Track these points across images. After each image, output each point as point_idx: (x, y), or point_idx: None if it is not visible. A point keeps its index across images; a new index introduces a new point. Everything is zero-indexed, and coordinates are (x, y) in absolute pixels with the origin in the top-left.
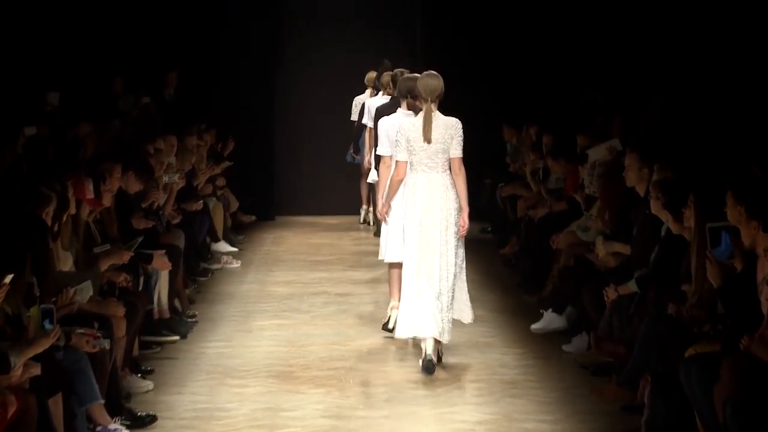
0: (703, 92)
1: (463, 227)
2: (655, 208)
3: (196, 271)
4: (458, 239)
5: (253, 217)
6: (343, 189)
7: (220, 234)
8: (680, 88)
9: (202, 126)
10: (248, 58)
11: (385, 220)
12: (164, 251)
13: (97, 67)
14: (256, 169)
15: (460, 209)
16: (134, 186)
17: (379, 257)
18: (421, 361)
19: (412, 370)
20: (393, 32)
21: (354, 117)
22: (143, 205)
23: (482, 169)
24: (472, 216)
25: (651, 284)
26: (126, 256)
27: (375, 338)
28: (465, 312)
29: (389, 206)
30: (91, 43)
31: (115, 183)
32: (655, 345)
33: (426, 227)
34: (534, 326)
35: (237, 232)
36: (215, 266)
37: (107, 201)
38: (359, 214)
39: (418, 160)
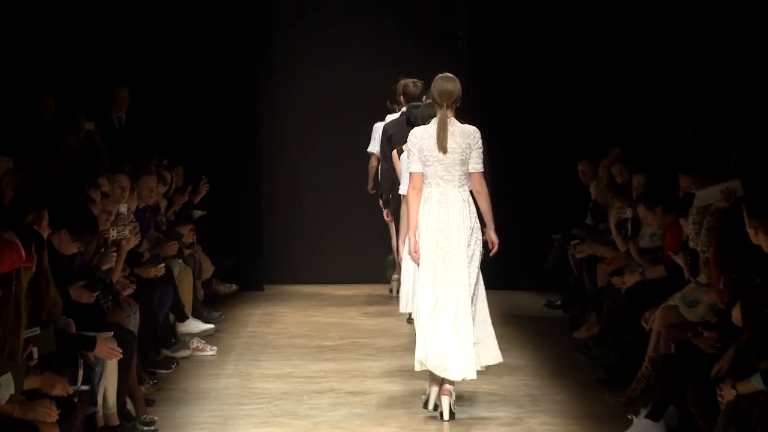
0: None
1: (493, 245)
2: None
3: (155, 362)
4: (475, 262)
5: (234, 287)
6: (357, 248)
7: (188, 310)
8: None
9: (164, 161)
10: (223, 70)
11: (418, 262)
12: (111, 334)
13: (19, 83)
14: (237, 221)
15: (479, 228)
16: (69, 246)
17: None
18: (423, 403)
19: None
20: (428, 41)
21: (372, 148)
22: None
23: (544, 220)
24: (534, 284)
25: None
26: (61, 387)
27: None
28: (490, 352)
29: (414, 234)
30: (10, 51)
31: (44, 232)
32: None
33: (443, 249)
34: None
35: (212, 306)
36: (182, 354)
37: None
38: (389, 282)
39: (432, 172)
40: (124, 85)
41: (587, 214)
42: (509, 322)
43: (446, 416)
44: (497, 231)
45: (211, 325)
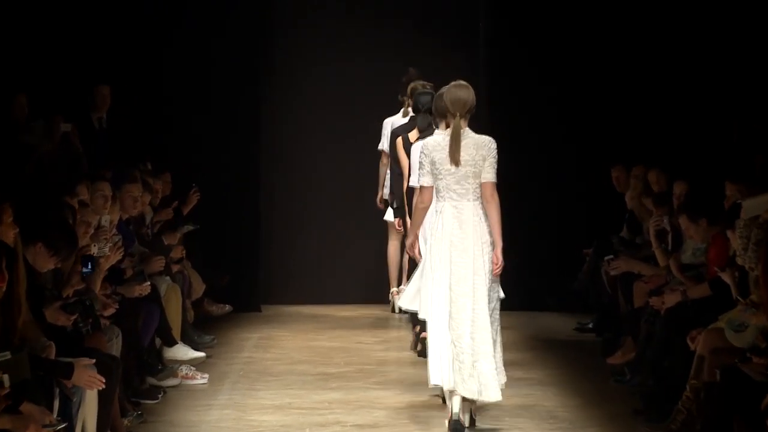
0: None
1: (496, 265)
2: None
3: (140, 391)
4: (492, 280)
5: (228, 307)
6: (364, 265)
7: (176, 333)
8: None
9: (148, 167)
10: (219, 70)
11: (416, 256)
12: (92, 361)
13: None
14: (231, 234)
15: (493, 244)
16: (45, 261)
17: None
18: (447, 422)
19: None
20: (438, 38)
21: (383, 146)
22: (64, 292)
23: (574, 232)
24: (562, 304)
25: None
26: (39, 422)
27: None
28: (491, 387)
29: (415, 236)
30: None
31: (8, 231)
32: None
33: (457, 265)
34: None
35: (203, 329)
36: (169, 383)
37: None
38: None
39: (445, 185)
40: (105, 83)
41: (622, 226)
42: (534, 347)
43: (467, 422)
44: (506, 248)
45: (202, 352)
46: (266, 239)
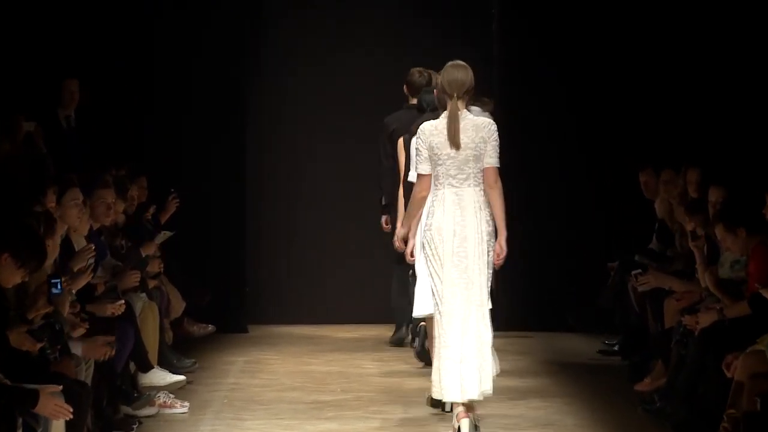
0: None
1: (498, 255)
2: None
3: (112, 421)
4: (490, 271)
5: (211, 327)
6: (363, 280)
7: (153, 357)
8: None
9: (122, 171)
10: (203, 65)
11: (405, 251)
12: (59, 388)
13: None
14: (215, 246)
15: (495, 233)
16: (11, 275)
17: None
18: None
19: None
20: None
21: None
22: (29, 315)
23: (596, 243)
24: (584, 324)
25: None
26: None
27: None
28: (471, 387)
29: (408, 228)
30: None
31: None
32: None
33: (459, 256)
34: None
35: (183, 352)
36: (146, 412)
37: None
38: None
39: (444, 171)
40: (73, 77)
41: (652, 237)
42: (553, 372)
43: None
44: (509, 239)
45: (182, 377)
46: (254, 251)
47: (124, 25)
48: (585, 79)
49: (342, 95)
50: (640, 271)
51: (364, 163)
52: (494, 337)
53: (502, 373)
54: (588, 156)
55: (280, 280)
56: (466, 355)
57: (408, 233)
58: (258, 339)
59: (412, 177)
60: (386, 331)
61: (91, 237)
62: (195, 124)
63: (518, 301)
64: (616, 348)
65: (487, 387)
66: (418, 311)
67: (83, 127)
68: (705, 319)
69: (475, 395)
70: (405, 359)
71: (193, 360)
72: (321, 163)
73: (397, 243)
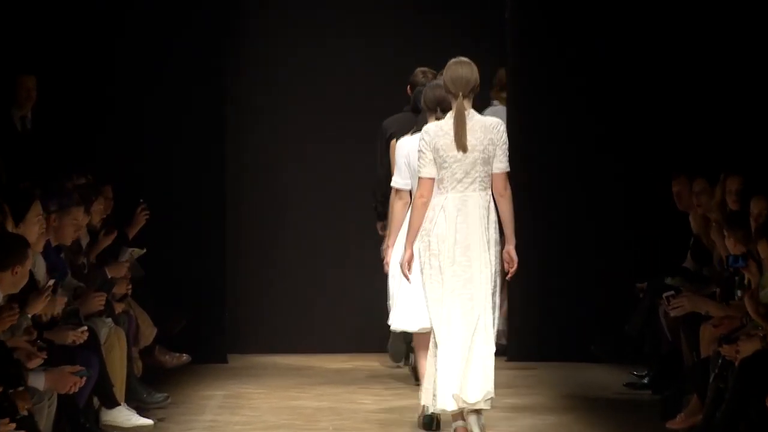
0: None
1: (510, 264)
2: None
3: None
4: (498, 280)
5: (186, 357)
6: (356, 304)
7: (120, 391)
8: None
9: (82, 180)
10: (176, 62)
11: (407, 277)
12: (12, 426)
13: None
14: (191, 266)
15: (502, 240)
16: None
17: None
18: None
19: None
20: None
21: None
22: None
23: (623, 263)
24: (609, 352)
25: None
26: None
27: None
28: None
29: (412, 253)
30: None
31: None
32: None
33: (462, 266)
34: None
35: (154, 386)
36: None
37: None
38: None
39: (450, 175)
40: (30, 74)
41: (686, 255)
42: (575, 407)
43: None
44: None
45: (150, 421)
46: (234, 271)
47: (89, 17)
48: (609, 77)
49: (336, 97)
50: (672, 293)
51: (355, 176)
52: (507, 368)
53: (517, 410)
54: (613, 163)
55: (263, 304)
56: (469, 359)
57: (411, 258)
58: (239, 370)
59: (395, 182)
60: (379, 362)
61: (48, 254)
62: (165, 127)
63: (534, 328)
64: (645, 380)
65: (489, 388)
66: (398, 324)
67: (41, 130)
68: (746, 348)
69: (478, 397)
70: (404, 394)
71: (166, 394)
72: (308, 175)
73: (403, 271)
